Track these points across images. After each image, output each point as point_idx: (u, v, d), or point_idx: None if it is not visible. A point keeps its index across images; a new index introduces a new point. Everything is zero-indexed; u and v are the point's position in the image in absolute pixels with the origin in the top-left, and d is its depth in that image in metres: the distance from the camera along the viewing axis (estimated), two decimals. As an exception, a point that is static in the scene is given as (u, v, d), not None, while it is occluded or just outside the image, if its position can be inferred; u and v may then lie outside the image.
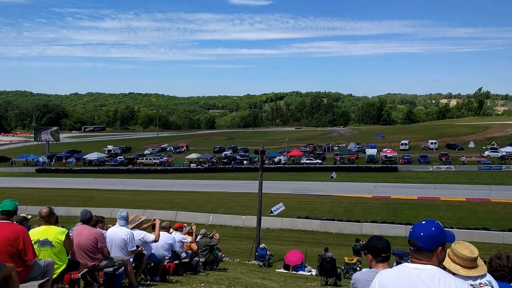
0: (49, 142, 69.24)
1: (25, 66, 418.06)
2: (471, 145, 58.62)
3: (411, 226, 1.94)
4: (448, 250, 2.09)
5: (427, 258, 1.80)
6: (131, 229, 5.42)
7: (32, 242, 3.60)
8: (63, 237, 4.03)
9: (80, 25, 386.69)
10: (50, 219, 4.15)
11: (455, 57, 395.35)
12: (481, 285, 2.12)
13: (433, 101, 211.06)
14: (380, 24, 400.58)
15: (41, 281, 3.56)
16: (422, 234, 1.82)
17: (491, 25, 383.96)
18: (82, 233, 4.70)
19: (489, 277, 2.19)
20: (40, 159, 60.94)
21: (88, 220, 4.85)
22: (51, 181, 46.00)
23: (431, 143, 60.05)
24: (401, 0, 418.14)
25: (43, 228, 4.08)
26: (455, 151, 54.47)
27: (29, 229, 4.23)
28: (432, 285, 1.71)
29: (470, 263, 2.09)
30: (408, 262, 1.90)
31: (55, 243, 3.99)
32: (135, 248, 5.17)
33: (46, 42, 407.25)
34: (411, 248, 1.86)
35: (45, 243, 3.97)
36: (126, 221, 5.30)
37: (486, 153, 50.60)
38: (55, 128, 76.63)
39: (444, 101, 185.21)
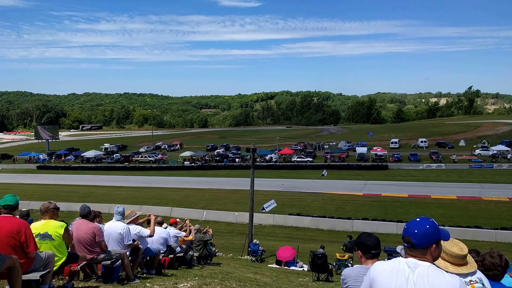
0: (49, 140, 70.87)
1: (25, 67, 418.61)
2: (462, 143, 59.07)
3: (405, 223, 1.95)
4: None
5: (421, 254, 1.82)
6: (127, 224, 5.53)
7: (34, 235, 3.69)
8: (62, 231, 4.11)
9: (77, 27, 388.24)
10: (52, 213, 4.24)
11: (445, 56, 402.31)
12: (471, 282, 2.11)
13: (423, 100, 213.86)
14: (369, 24, 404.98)
15: (43, 272, 3.64)
16: (416, 231, 1.82)
17: (481, 24, 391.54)
18: (80, 227, 4.79)
19: (479, 274, 2.17)
20: (41, 156, 62.77)
21: (87, 215, 4.95)
22: (51, 178, 46.70)
23: (421, 142, 60.62)
24: (389, 0, 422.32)
25: (43, 222, 4.16)
26: (445, 150, 55.05)
27: (30, 223, 4.30)
28: (423, 279, 1.74)
29: (460, 261, 2.08)
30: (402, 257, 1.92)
31: (55, 236, 4.07)
32: (131, 241, 5.29)
33: (45, 44, 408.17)
34: (405, 244, 1.86)
35: (45, 236, 4.05)
36: (123, 216, 5.40)
37: (477, 151, 50.80)
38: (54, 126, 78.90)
39: (433, 100, 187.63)
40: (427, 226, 1.84)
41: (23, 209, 4.63)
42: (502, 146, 51.15)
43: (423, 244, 1.81)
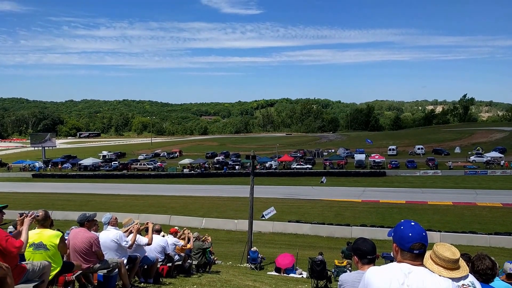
0: (45, 148, 70.00)
1: (22, 74, 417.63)
2: (457, 150, 59.71)
3: (402, 231, 1.89)
4: (430, 252, 2.08)
5: (421, 259, 1.82)
6: (125, 232, 5.52)
7: (28, 245, 3.62)
8: (57, 241, 4.05)
9: (76, 33, 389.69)
10: (46, 222, 4.17)
11: (441, 65, 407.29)
12: (464, 286, 2.10)
13: (420, 108, 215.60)
14: (368, 33, 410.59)
15: (36, 283, 3.59)
16: (424, 234, 1.81)
17: (476, 33, 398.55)
18: (78, 236, 4.74)
19: (471, 278, 2.15)
20: (36, 164, 62.04)
21: (84, 223, 4.90)
22: (47, 186, 46.35)
23: (418, 149, 61.01)
24: (388, 9, 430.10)
25: (37, 231, 4.09)
26: (442, 156, 55.55)
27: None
28: (418, 283, 1.76)
29: (453, 265, 2.05)
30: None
31: (49, 246, 4.01)
32: (129, 242, 5.23)
33: (42, 50, 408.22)
34: (415, 251, 1.82)
35: (40, 246, 3.98)
36: (108, 223, 5.31)
37: (472, 158, 51.57)
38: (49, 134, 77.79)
39: (430, 107, 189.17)
40: (421, 227, 1.88)
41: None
42: (495, 153, 51.71)
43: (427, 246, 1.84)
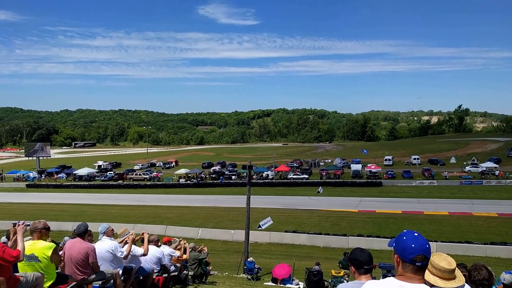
0: (40, 157, 69.59)
1: (16, 83, 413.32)
2: (453, 160, 60.26)
3: (404, 242, 1.83)
4: None
5: (423, 272, 1.78)
6: (120, 242, 5.48)
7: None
8: (49, 252, 4.00)
9: (72, 43, 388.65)
10: (43, 233, 4.15)
11: (436, 76, 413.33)
12: None
13: (415, 118, 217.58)
14: (365, 44, 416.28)
15: (29, 295, 3.55)
16: (427, 246, 1.76)
17: (471, 45, 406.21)
18: (74, 246, 4.71)
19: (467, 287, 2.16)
20: (31, 174, 61.70)
21: (81, 233, 4.85)
22: (41, 196, 45.91)
23: (414, 159, 61.36)
24: (384, 21, 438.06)
25: (30, 242, 4.05)
26: (437, 167, 55.96)
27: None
28: None
29: (449, 275, 2.08)
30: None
31: (41, 258, 3.97)
32: (124, 253, 5.20)
33: (38, 60, 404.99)
34: (418, 263, 1.76)
35: (31, 258, 3.94)
36: (104, 233, 5.29)
37: (467, 168, 52.17)
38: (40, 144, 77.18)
39: (425, 118, 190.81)
40: (424, 238, 1.83)
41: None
42: (490, 163, 52.23)
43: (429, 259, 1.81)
